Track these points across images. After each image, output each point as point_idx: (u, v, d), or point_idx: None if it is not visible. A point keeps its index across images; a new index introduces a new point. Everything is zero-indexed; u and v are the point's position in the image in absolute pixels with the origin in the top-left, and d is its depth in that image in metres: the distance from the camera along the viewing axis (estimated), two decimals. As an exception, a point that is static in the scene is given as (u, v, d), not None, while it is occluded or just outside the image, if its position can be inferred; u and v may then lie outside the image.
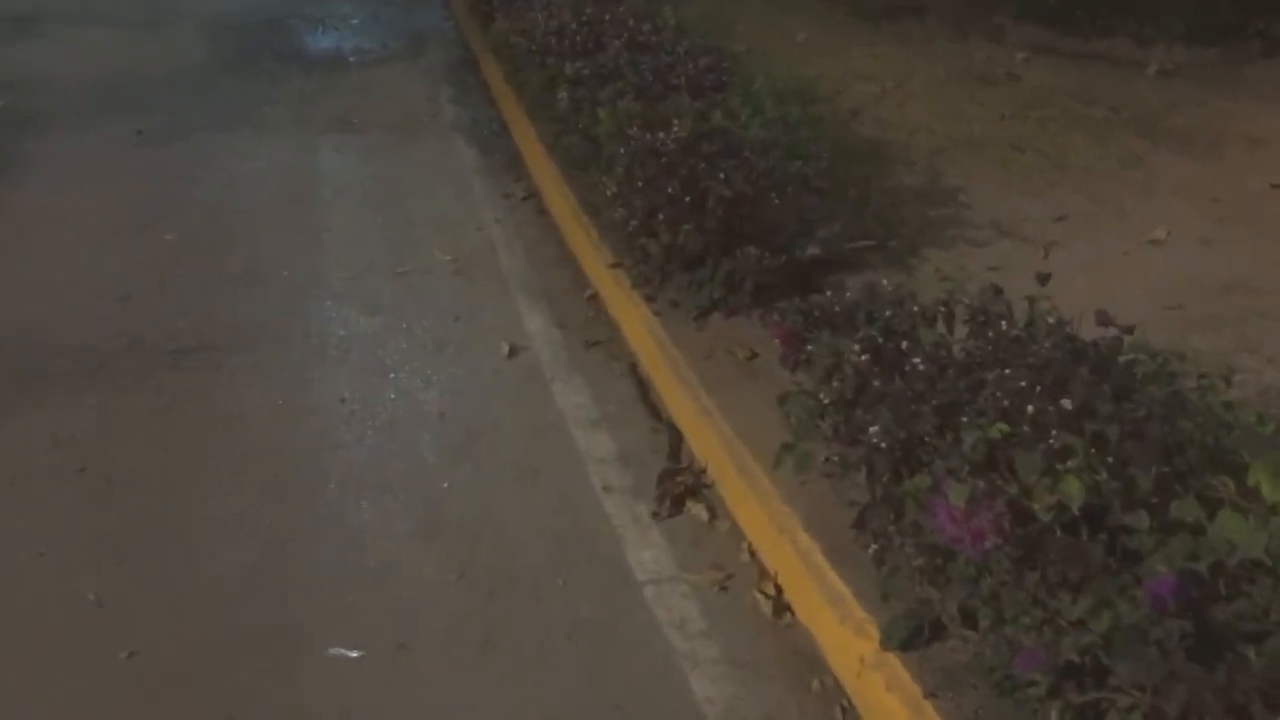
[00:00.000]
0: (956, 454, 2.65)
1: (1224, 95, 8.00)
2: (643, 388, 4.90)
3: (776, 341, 3.33)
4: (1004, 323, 2.95)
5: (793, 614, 3.56)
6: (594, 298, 5.67)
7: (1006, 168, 6.62)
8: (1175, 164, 6.77)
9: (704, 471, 4.27)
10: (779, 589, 3.64)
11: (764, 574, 3.73)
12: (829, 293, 3.36)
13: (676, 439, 4.50)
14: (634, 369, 5.04)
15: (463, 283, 5.86)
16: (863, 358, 3.00)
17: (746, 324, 4.98)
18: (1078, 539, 2.46)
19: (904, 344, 3.00)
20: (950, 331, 3.12)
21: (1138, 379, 2.85)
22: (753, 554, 3.84)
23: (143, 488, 4.15)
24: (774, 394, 4.44)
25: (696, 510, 4.07)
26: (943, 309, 3.13)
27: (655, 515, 4.05)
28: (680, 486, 4.15)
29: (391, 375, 4.96)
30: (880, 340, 3.01)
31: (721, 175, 4.80)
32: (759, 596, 3.63)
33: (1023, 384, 2.73)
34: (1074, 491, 2.43)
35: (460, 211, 6.76)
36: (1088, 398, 2.66)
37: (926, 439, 2.77)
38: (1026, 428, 2.65)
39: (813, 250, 5.13)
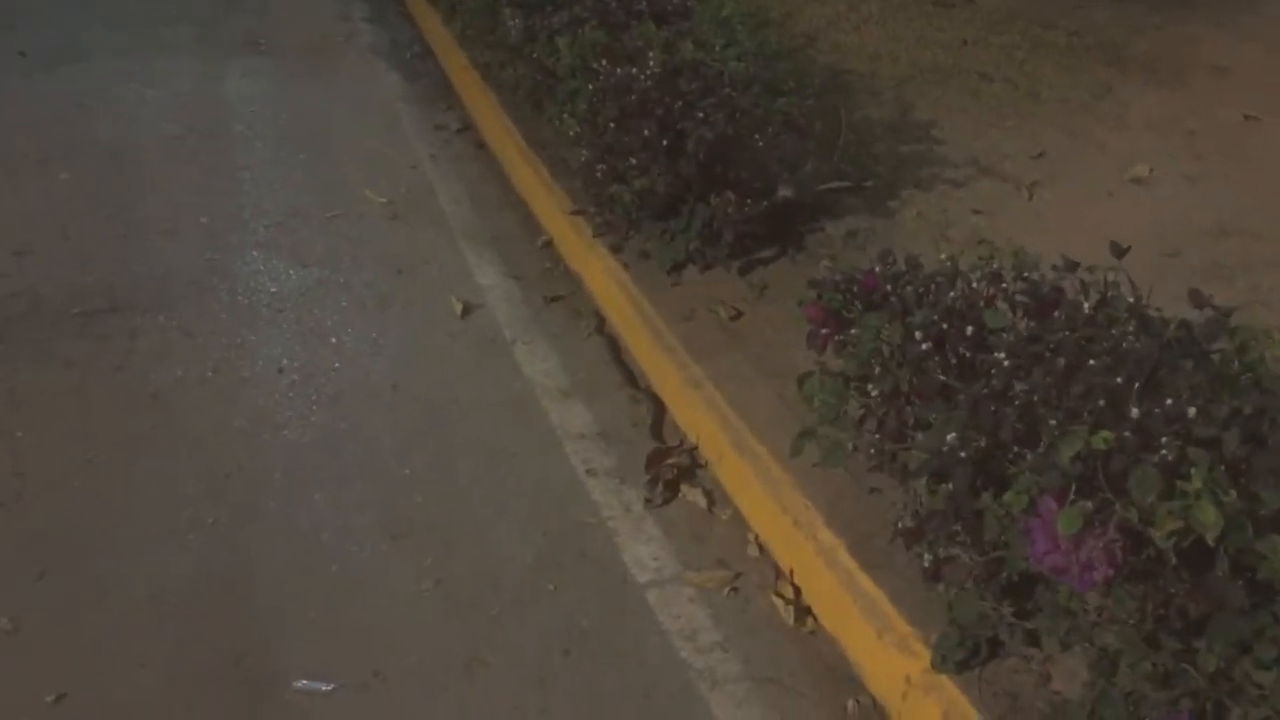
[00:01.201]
0: (1050, 467, 2.26)
1: (1179, 20, 7.70)
2: (614, 349, 4.46)
3: (807, 321, 2.88)
4: (1085, 305, 2.55)
5: (815, 619, 3.19)
6: (549, 245, 5.18)
7: (977, 99, 6.24)
8: (1144, 93, 6.46)
9: (696, 449, 3.86)
10: (797, 590, 3.27)
11: (778, 572, 3.35)
12: (875, 267, 2.91)
13: (659, 411, 4.08)
14: (602, 327, 4.59)
15: (401, 229, 5.31)
16: (923, 345, 2.59)
17: (725, 278, 4.56)
18: (1210, 572, 2.11)
19: (969, 329, 2.59)
20: (1013, 312, 2.72)
21: (1235, 366, 2.49)
22: (761, 547, 3.46)
23: (60, 484, 3.61)
24: (764, 359, 4.08)
25: (693, 496, 3.67)
26: (1002, 286, 2.72)
27: (648, 503, 3.64)
28: (673, 469, 3.73)
29: (333, 339, 4.43)
30: (944, 325, 2.60)
31: (701, 114, 4.32)
32: (776, 600, 3.25)
33: (1119, 380, 2.35)
34: (1210, 520, 2.06)
35: (389, 146, 6.18)
36: (1198, 396, 2.29)
37: (1012, 447, 2.37)
38: (1129, 433, 2.27)
39: (785, 193, 4.68)
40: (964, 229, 4.96)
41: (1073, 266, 2.70)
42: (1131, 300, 2.65)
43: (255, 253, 5.02)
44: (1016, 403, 2.39)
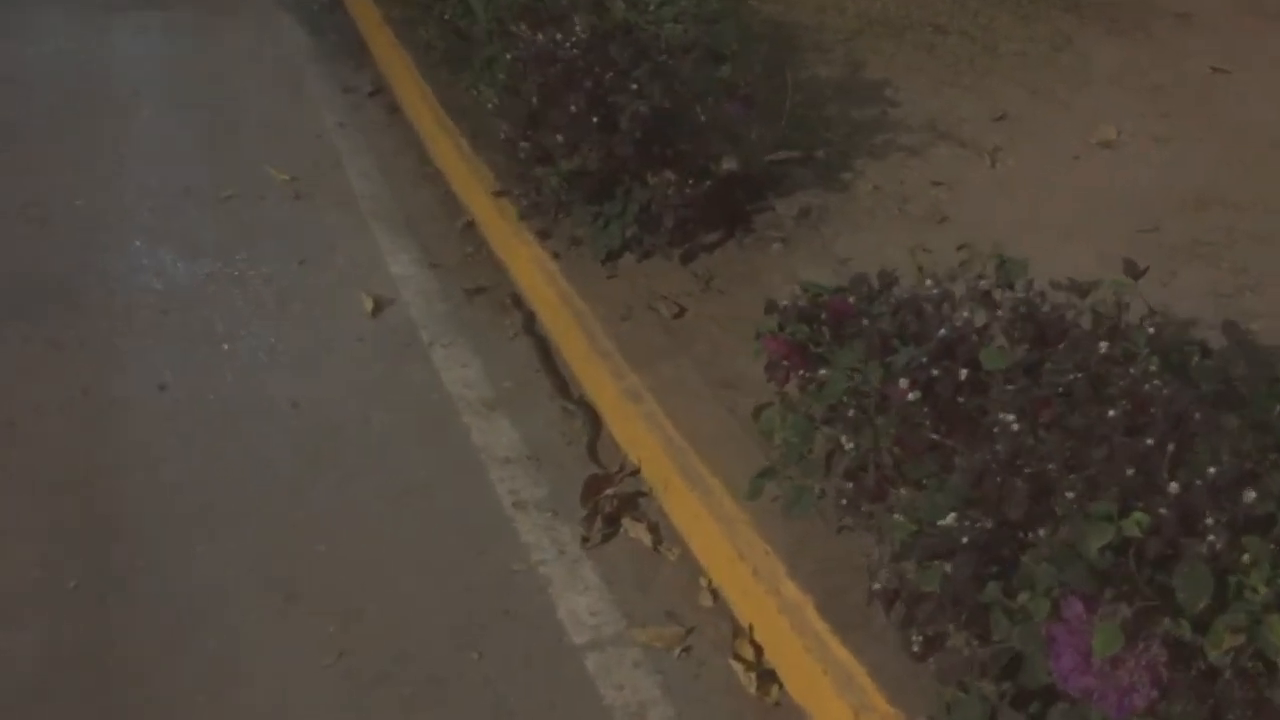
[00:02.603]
0: (1074, 560, 1.84)
1: (1136, -35, 7.28)
2: (544, 351, 3.98)
3: (767, 353, 2.43)
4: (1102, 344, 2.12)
5: (781, 687, 2.77)
6: (470, 227, 4.67)
7: (933, 54, 5.78)
8: (1106, 45, 6.04)
9: (637, 472, 3.41)
10: (758, 650, 2.84)
11: (736, 628, 2.92)
12: (865, 285, 2.45)
13: (594, 425, 3.62)
14: (530, 325, 4.11)
15: (305, 210, 4.78)
16: (910, 395, 2.15)
17: (666, 267, 4.10)
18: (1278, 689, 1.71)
19: (962, 372, 2.15)
20: (1009, 343, 2.28)
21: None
22: (715, 594, 3.03)
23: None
24: (712, 366, 3.64)
25: (635, 532, 3.23)
26: (997, 314, 2.28)
27: (584, 542, 3.19)
28: (612, 500, 3.28)
29: (224, 346, 3.92)
30: (933, 370, 2.16)
31: (635, 86, 3.82)
32: (735, 664, 2.82)
33: (1150, 442, 1.93)
34: (1282, 642, 1.66)
35: (293, 112, 5.61)
36: (1242, 458, 1.89)
37: (1021, 530, 1.95)
38: (1166, 510, 1.86)
39: (728, 166, 4.20)
40: (924, 203, 4.54)
41: (1080, 289, 2.26)
42: (1151, 330, 2.21)
43: (138, 242, 4.46)
44: (1026, 470, 1.96)
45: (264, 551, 3.10)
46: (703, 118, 3.94)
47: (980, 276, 2.59)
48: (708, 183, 4.03)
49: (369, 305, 4.13)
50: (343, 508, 3.27)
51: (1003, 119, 5.20)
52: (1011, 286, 2.56)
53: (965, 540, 1.95)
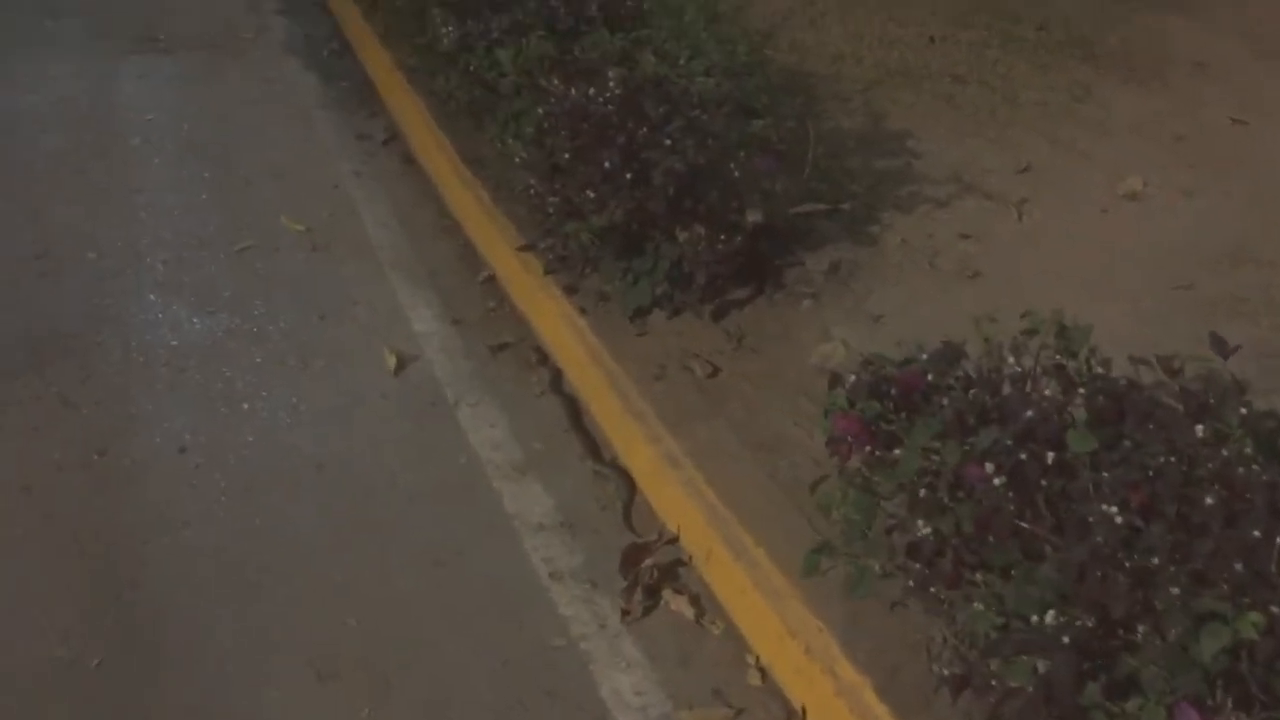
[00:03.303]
0: (1187, 665, 1.73)
1: (1147, 9, 7.27)
2: (573, 410, 3.88)
3: (834, 431, 2.33)
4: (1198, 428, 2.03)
5: (839, 774, 2.65)
6: (492, 281, 4.57)
7: (953, 104, 5.73)
8: (1125, 94, 6.01)
9: (675, 540, 3.30)
10: (813, 735, 2.73)
11: (788, 710, 2.80)
12: (918, 361, 2.36)
13: (628, 490, 3.52)
14: (557, 383, 4.00)
15: (323, 262, 4.68)
16: (996, 480, 2.05)
17: (697, 324, 4.02)
18: None
19: (1049, 455, 2.06)
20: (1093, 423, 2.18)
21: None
22: (764, 673, 2.91)
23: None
24: (749, 428, 3.55)
25: (677, 604, 3.11)
26: (1080, 392, 2.19)
27: (625, 615, 3.08)
28: (652, 571, 3.17)
29: (244, 405, 3.80)
30: (1020, 454, 2.06)
31: (668, 141, 3.74)
32: (789, 750, 2.70)
33: (1256, 534, 1.83)
34: None
35: (307, 161, 5.51)
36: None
37: (1122, 628, 1.85)
38: (1278, 609, 1.76)
39: (754, 217, 4.12)
40: (954, 257, 4.47)
41: (1169, 368, 2.17)
42: (1244, 410, 2.12)
43: (152, 296, 4.35)
44: (1127, 564, 1.86)
45: (293, 625, 2.98)
46: (736, 173, 3.86)
47: (1045, 346, 2.51)
48: (738, 238, 3.95)
49: (392, 362, 4.02)
50: (373, 578, 3.15)
51: (1027, 170, 5.15)
52: (1074, 355, 2.47)
53: (1066, 639, 1.84)
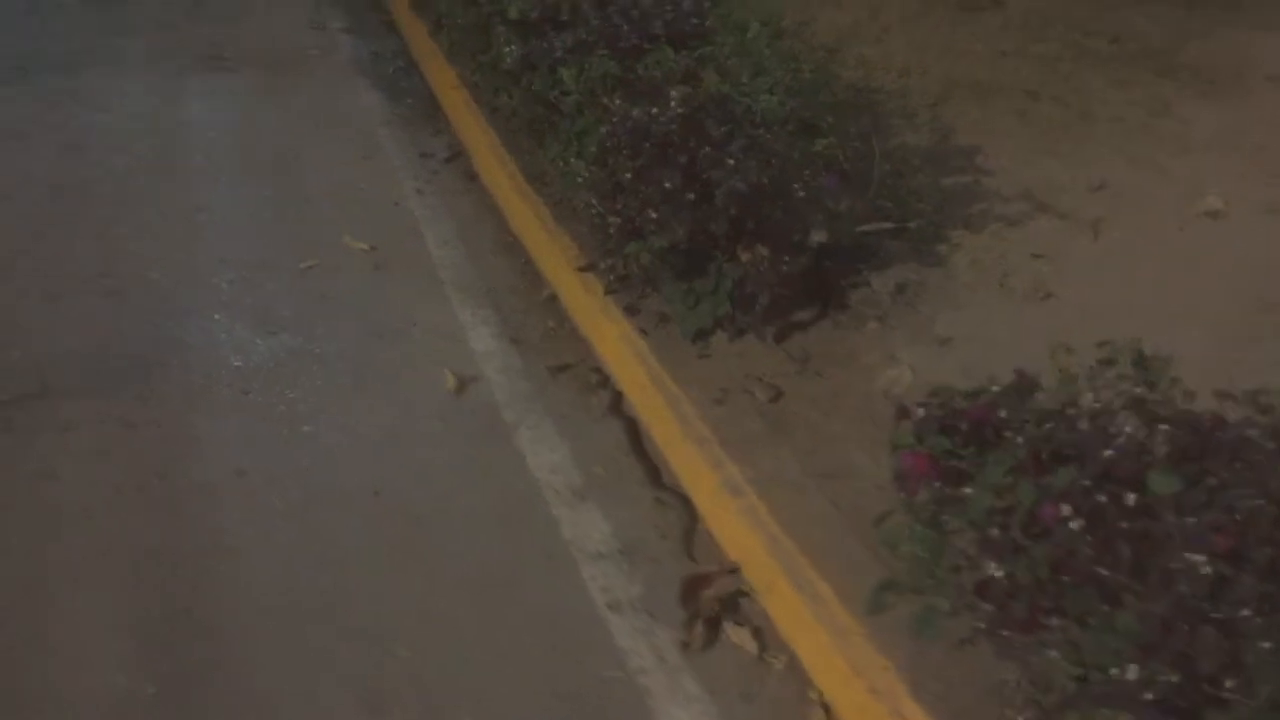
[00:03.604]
0: (1277, 720, 1.63)
1: (1224, 24, 7.05)
2: (633, 434, 3.81)
3: (903, 470, 2.24)
4: None
5: (905, 819, 2.55)
6: (553, 300, 4.52)
7: (1024, 120, 5.59)
8: (1203, 109, 5.83)
9: (737, 570, 3.22)
10: (879, 777, 2.63)
11: (853, 751, 2.70)
12: (986, 395, 2.26)
13: (689, 517, 3.44)
14: (617, 405, 3.94)
15: (384, 281, 4.66)
16: (1073, 524, 1.95)
17: (759, 347, 3.93)
18: None
19: (1129, 497, 1.95)
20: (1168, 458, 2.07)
21: None
22: (827, 710, 2.82)
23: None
24: (814, 456, 3.46)
25: (738, 637, 3.03)
26: (1162, 428, 2.08)
27: (685, 647, 3.00)
28: (713, 604, 3.09)
29: (305, 428, 3.78)
30: (1099, 496, 1.96)
31: (731, 161, 3.67)
32: (854, 791, 2.61)
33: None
34: None
35: (370, 179, 5.51)
36: None
37: (1209, 684, 1.74)
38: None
39: (817, 237, 4.02)
40: (1026, 277, 4.34)
41: (1259, 404, 2.05)
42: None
43: (216, 316, 4.36)
44: (1214, 616, 1.75)
45: (347, 654, 2.94)
46: (800, 193, 3.77)
47: (1123, 377, 2.40)
48: (802, 259, 3.86)
49: (451, 383, 3.99)
50: (427, 606, 3.10)
51: (1102, 189, 5.00)
52: (1154, 387, 2.36)
53: (1149, 695, 1.74)
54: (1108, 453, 2.00)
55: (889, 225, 4.57)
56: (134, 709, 2.76)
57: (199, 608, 3.07)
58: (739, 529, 3.23)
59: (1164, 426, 2.09)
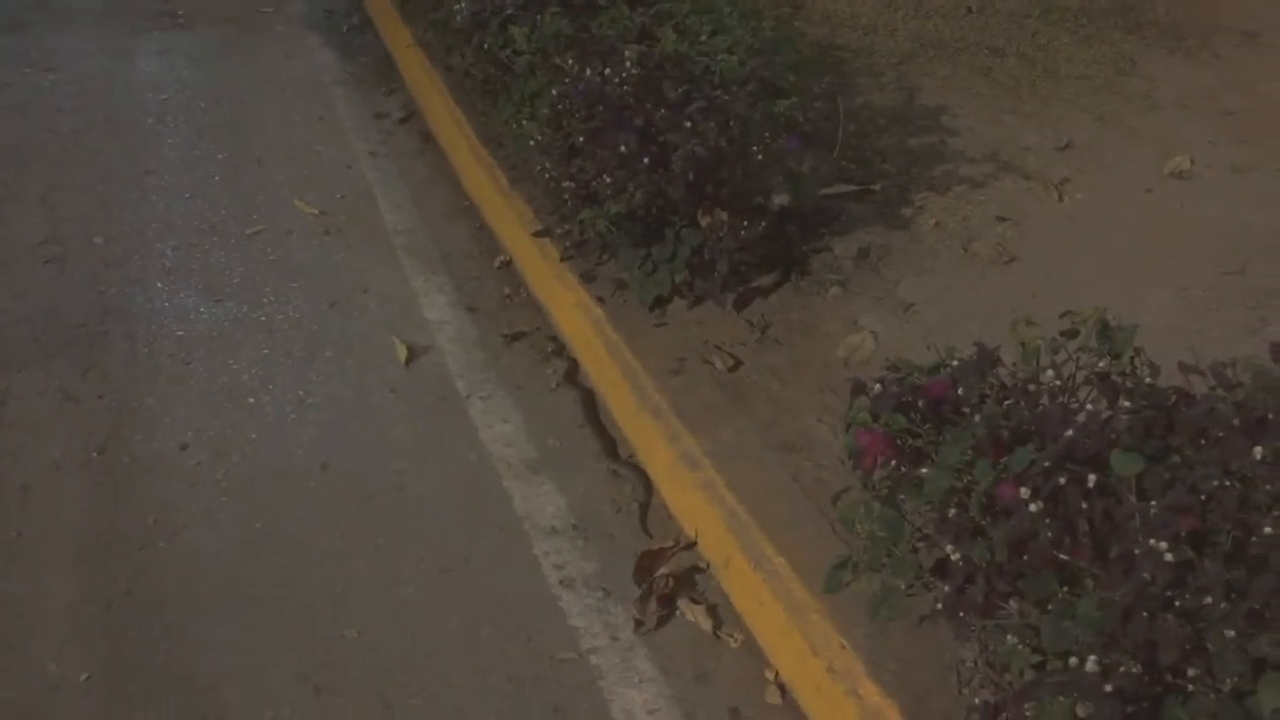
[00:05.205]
0: (1236, 713, 1.56)
1: (1194, -22, 6.97)
2: (589, 404, 3.73)
3: (858, 448, 2.17)
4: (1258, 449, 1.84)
5: (862, 802, 2.50)
6: (508, 266, 4.42)
7: (990, 79, 5.50)
8: (1172, 67, 5.75)
9: (693, 545, 3.15)
10: (835, 758, 2.57)
11: (809, 730, 2.65)
12: (943, 366, 2.18)
13: (645, 491, 3.36)
14: (573, 375, 3.85)
15: (335, 247, 4.54)
16: (1032, 506, 1.88)
17: (718, 314, 3.84)
18: None
19: (1090, 478, 1.88)
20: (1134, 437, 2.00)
21: None
22: (784, 691, 2.76)
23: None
24: (772, 427, 3.38)
25: (693, 614, 2.96)
26: (1124, 405, 2.01)
27: (638, 626, 2.93)
28: (667, 580, 3.02)
29: (250, 400, 3.68)
30: (1059, 478, 1.89)
31: (688, 124, 3.56)
32: (810, 774, 2.55)
33: (1315, 572, 1.66)
34: None
35: (322, 140, 5.37)
36: None
37: (1171, 674, 1.68)
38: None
39: (779, 200, 3.94)
40: (990, 241, 4.27)
41: (1226, 379, 1.98)
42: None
43: (159, 284, 4.23)
44: (1177, 604, 1.69)
45: (293, 636, 2.86)
46: (759, 156, 3.67)
47: (1087, 349, 2.33)
48: (762, 223, 3.77)
49: (403, 353, 3.89)
50: (376, 586, 3.01)
51: (1068, 148, 4.93)
52: (1117, 356, 2.29)
53: (1109, 687, 1.67)
54: (1069, 432, 1.93)
55: (853, 188, 4.49)
56: (62, 698, 2.67)
57: (140, 589, 2.98)
58: (695, 503, 3.16)
59: (1127, 403, 2.02)
